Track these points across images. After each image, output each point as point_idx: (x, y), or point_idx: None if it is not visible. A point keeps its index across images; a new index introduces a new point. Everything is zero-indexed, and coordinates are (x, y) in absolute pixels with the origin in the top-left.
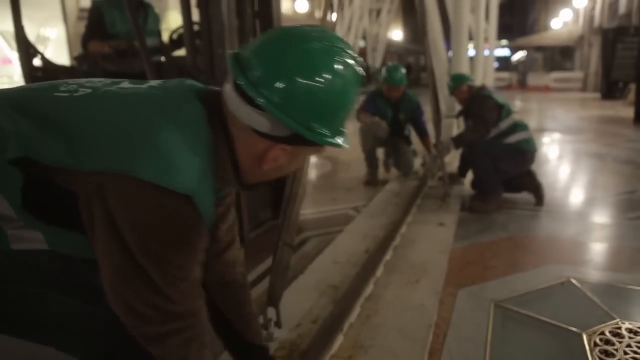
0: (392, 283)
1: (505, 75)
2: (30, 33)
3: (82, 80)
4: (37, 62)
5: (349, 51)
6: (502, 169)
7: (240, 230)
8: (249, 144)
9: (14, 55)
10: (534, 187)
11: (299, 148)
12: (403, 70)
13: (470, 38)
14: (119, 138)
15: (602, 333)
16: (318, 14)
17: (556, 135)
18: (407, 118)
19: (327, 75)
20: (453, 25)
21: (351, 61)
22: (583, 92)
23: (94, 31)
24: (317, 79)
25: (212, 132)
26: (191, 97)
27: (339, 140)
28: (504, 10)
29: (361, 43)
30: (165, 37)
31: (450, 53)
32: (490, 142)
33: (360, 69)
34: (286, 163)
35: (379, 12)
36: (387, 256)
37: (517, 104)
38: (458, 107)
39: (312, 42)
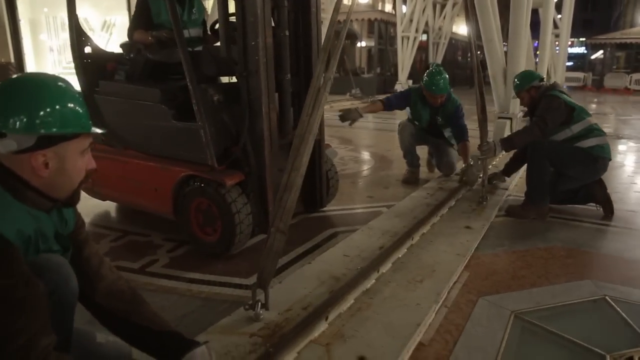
0: (395, 281)
1: (579, 75)
2: (97, 20)
3: None
4: (88, 49)
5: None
6: (570, 175)
7: (266, 221)
8: (20, 166)
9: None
10: (604, 198)
11: (57, 148)
12: (446, 76)
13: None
14: None
15: (631, 358)
16: (380, 5)
17: (632, 144)
18: (445, 120)
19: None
20: (511, 19)
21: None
22: None
23: (140, 20)
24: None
25: None
26: None
27: (86, 128)
28: (583, 3)
29: (423, 36)
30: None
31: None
32: (558, 145)
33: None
34: (60, 165)
35: (443, 6)
36: (399, 254)
37: (590, 107)
38: (513, 107)
39: (17, 87)
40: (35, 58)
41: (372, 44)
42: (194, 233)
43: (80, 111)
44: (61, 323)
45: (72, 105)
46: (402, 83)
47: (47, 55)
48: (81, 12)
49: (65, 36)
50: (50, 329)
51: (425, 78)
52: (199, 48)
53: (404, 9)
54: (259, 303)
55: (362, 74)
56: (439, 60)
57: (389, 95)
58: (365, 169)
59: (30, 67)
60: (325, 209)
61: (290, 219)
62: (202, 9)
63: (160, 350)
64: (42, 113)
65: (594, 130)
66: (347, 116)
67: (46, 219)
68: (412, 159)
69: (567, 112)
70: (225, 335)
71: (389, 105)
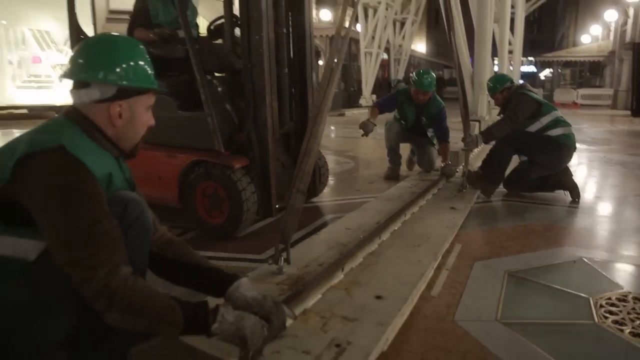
0: (395, 245)
1: None
2: (60, 35)
3: None
4: None
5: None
6: (539, 161)
7: (269, 204)
8: (100, 115)
9: (44, 55)
10: (571, 184)
11: (131, 100)
12: (433, 76)
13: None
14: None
15: (609, 298)
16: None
17: (582, 146)
18: (429, 121)
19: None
20: (476, 33)
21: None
22: (613, 110)
23: (138, 20)
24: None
25: (73, 122)
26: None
27: (154, 84)
28: (530, 26)
29: (384, 56)
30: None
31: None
32: (526, 133)
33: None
34: (130, 116)
35: (403, 24)
36: (395, 227)
37: None
38: (481, 110)
39: (102, 42)
40: None
41: None
42: (200, 217)
43: (151, 71)
44: (141, 248)
45: (145, 63)
46: (367, 98)
47: (7, 68)
48: (44, 25)
49: (22, 52)
50: (127, 261)
51: (413, 76)
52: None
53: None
54: (282, 257)
55: None
56: (400, 76)
57: (378, 100)
58: (348, 169)
59: None
60: (316, 200)
61: (309, 180)
62: (195, 10)
63: (210, 285)
64: (124, 66)
65: (560, 122)
66: (366, 129)
67: (117, 165)
68: (394, 157)
69: (536, 106)
70: (254, 284)
71: (381, 110)
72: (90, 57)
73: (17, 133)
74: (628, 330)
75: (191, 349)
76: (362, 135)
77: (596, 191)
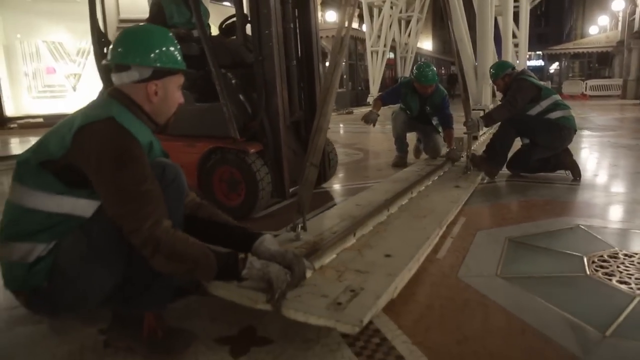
0: (402, 217)
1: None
2: (73, 46)
3: None
4: (106, 50)
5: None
6: (540, 143)
7: (282, 187)
8: (138, 93)
9: (58, 66)
10: (571, 164)
11: (164, 80)
12: (434, 68)
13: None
14: None
15: (601, 256)
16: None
17: (587, 132)
18: (433, 110)
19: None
20: (478, 25)
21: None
22: (622, 99)
23: (155, 22)
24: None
25: (117, 100)
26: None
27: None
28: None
29: (391, 55)
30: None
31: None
32: (527, 116)
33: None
34: (164, 94)
35: (408, 22)
36: (403, 202)
37: None
38: (484, 100)
39: (140, 31)
40: (10, 82)
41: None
42: (219, 200)
43: (180, 55)
44: (177, 205)
45: (175, 49)
46: (374, 96)
47: (22, 80)
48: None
49: (37, 64)
50: (168, 215)
51: (415, 71)
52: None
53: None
54: (299, 225)
55: None
56: (407, 74)
57: (382, 93)
58: (357, 159)
59: (5, 91)
60: (327, 186)
61: (320, 156)
62: (207, 12)
63: (237, 242)
64: (157, 51)
65: (559, 105)
66: (369, 118)
67: (154, 137)
68: (401, 145)
69: (536, 90)
70: None
71: (384, 102)
72: (129, 44)
73: (33, 140)
74: (616, 280)
75: (222, 301)
76: (366, 124)
77: (597, 170)
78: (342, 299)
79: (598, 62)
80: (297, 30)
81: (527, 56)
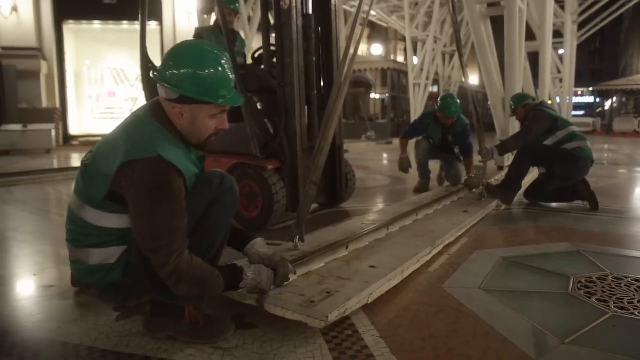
0: (401, 235)
1: (588, 120)
2: (132, 72)
3: None
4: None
5: (216, 55)
6: (556, 172)
7: (297, 202)
8: (169, 110)
9: (118, 90)
10: (588, 194)
11: (193, 107)
12: (457, 101)
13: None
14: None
15: (590, 277)
16: (392, 55)
17: (625, 168)
18: (455, 139)
19: (188, 63)
20: (506, 58)
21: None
22: None
23: None
24: (181, 68)
25: (155, 119)
26: (141, 110)
27: (218, 100)
28: (592, 55)
29: (434, 89)
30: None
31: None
32: (543, 146)
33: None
34: (191, 118)
35: (452, 56)
36: (406, 222)
37: (602, 147)
38: (511, 131)
39: (182, 48)
40: (77, 104)
41: (386, 93)
42: (238, 211)
43: (219, 84)
44: (232, 209)
45: (215, 78)
46: None
47: (87, 102)
48: (120, 63)
49: (100, 88)
50: (188, 243)
51: (439, 102)
52: (242, 71)
53: (415, 59)
54: (297, 237)
55: (377, 119)
56: None
57: (405, 129)
58: (382, 184)
59: (72, 112)
60: (346, 206)
61: (320, 174)
62: (244, 43)
63: (233, 242)
64: (183, 77)
65: (576, 136)
66: (403, 166)
67: (189, 152)
68: (423, 171)
69: (551, 121)
70: None
71: (409, 137)
72: (168, 59)
73: None
74: (595, 298)
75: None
76: (405, 173)
77: (619, 203)
78: (317, 298)
79: None
80: (321, 64)
81: (580, 92)
